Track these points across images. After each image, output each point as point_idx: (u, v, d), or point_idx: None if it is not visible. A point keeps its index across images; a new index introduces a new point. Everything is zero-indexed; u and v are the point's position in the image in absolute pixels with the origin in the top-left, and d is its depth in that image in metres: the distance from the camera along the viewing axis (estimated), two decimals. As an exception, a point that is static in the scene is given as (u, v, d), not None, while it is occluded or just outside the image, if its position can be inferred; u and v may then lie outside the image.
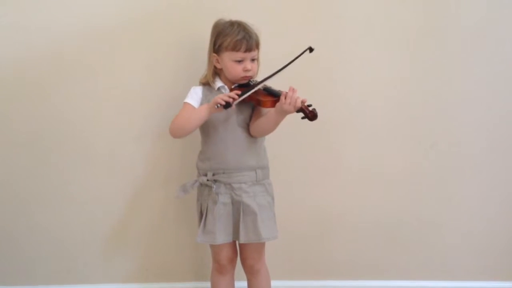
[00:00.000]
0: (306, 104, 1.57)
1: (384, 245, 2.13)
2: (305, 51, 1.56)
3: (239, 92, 1.60)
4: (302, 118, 1.58)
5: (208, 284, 1.87)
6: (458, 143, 2.07)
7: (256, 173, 1.71)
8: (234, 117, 1.69)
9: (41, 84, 1.99)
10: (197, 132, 1.79)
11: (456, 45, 2.01)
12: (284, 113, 1.59)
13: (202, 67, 1.78)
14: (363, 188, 2.09)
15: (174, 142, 2.01)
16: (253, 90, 1.61)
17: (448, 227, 2.12)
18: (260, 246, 1.76)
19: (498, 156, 2.08)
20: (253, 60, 1.68)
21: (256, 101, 1.64)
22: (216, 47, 1.68)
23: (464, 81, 2.04)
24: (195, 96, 1.73)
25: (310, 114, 1.56)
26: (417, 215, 2.11)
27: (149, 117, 2.01)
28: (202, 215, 1.73)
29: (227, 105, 1.57)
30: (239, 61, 1.65)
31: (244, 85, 1.65)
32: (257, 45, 1.68)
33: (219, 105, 1.58)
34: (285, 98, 1.56)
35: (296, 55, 1.57)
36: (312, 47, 1.56)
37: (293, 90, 1.56)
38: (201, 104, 1.71)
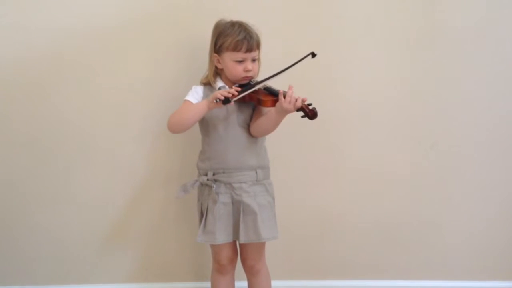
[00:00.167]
0: (306, 103, 1.57)
1: (384, 245, 2.13)
2: (307, 55, 1.57)
3: (239, 89, 1.60)
4: (302, 117, 1.58)
5: (208, 284, 1.87)
6: (458, 143, 2.07)
7: (256, 173, 1.71)
8: (235, 117, 1.69)
9: (41, 84, 1.99)
10: (198, 132, 1.79)
11: (456, 45, 2.01)
12: (284, 112, 1.59)
13: (202, 67, 1.78)
14: (363, 188, 2.09)
15: (174, 142, 2.02)
16: (253, 89, 1.61)
17: (448, 227, 2.12)
18: (261, 246, 1.76)
19: (498, 156, 2.08)
20: (254, 60, 1.69)
21: (256, 100, 1.64)
22: (217, 47, 1.68)
23: (464, 81, 2.04)
24: (195, 94, 1.73)
25: (310, 113, 1.56)
26: (417, 215, 2.11)
27: (149, 117, 2.01)
28: (202, 215, 1.73)
29: (226, 100, 1.57)
30: (240, 62, 1.66)
31: (245, 85, 1.65)
32: (258, 46, 1.68)
33: (217, 100, 1.58)
34: (285, 97, 1.56)
35: (299, 59, 1.57)
36: (315, 52, 1.57)
37: (292, 89, 1.57)
38: (201, 103, 1.71)
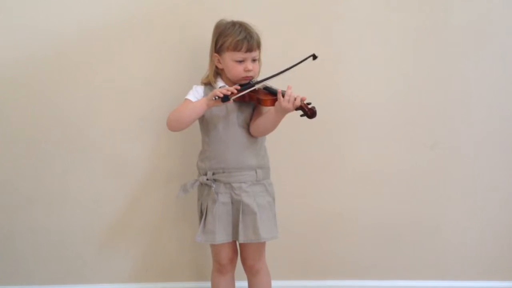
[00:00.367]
0: (305, 102, 1.57)
1: (384, 245, 2.13)
2: (308, 57, 1.58)
3: (239, 88, 1.60)
4: (301, 116, 1.58)
5: (209, 284, 1.87)
6: (459, 144, 2.07)
7: (256, 172, 1.71)
8: (235, 117, 1.69)
9: (41, 84, 1.99)
10: (198, 132, 1.79)
11: (457, 45, 2.01)
12: (283, 111, 1.59)
13: (203, 67, 1.78)
14: (363, 188, 2.09)
15: (174, 142, 2.02)
16: (253, 88, 1.62)
17: (448, 227, 2.12)
18: (261, 246, 1.76)
19: (498, 156, 2.08)
20: (254, 60, 1.69)
21: (256, 100, 1.64)
22: (218, 47, 1.68)
23: (464, 81, 2.04)
24: (196, 94, 1.73)
25: (309, 112, 1.56)
26: (417, 215, 2.12)
27: (149, 117, 2.01)
28: (202, 214, 1.73)
29: (225, 98, 1.57)
30: (240, 61, 1.66)
31: (245, 85, 1.66)
32: (258, 46, 1.69)
33: (216, 98, 1.58)
34: (284, 96, 1.56)
35: (300, 60, 1.58)
36: (316, 54, 1.58)
37: (291, 88, 1.57)
38: (202, 103, 1.71)
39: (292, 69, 1.59)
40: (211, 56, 1.72)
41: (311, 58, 1.59)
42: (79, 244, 2.10)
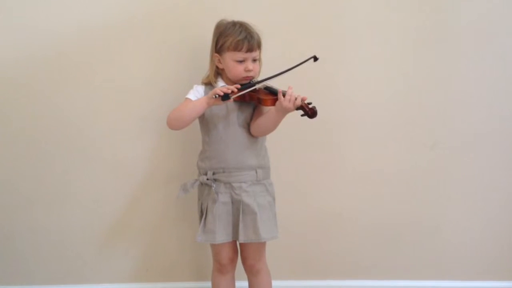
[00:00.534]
0: (305, 102, 1.57)
1: (384, 245, 2.13)
2: (309, 59, 1.59)
3: (239, 86, 1.60)
4: (302, 115, 1.58)
5: (209, 284, 1.87)
6: (459, 144, 2.07)
7: (256, 172, 1.71)
8: (235, 116, 1.69)
9: (41, 84, 1.99)
10: (198, 132, 1.79)
11: (457, 45, 2.01)
12: (284, 111, 1.59)
13: (203, 68, 1.78)
14: (363, 188, 2.10)
15: (174, 142, 2.02)
16: (253, 87, 1.62)
17: (448, 227, 2.13)
18: (261, 246, 1.76)
19: (498, 156, 2.09)
20: (254, 60, 1.69)
21: (256, 99, 1.64)
22: (218, 47, 1.68)
23: (464, 81, 2.04)
24: (196, 93, 1.73)
25: (310, 112, 1.56)
26: (417, 215, 2.12)
27: (149, 117, 2.01)
28: (202, 214, 1.73)
29: (225, 96, 1.57)
30: (241, 61, 1.66)
31: (246, 85, 1.66)
32: (258, 46, 1.69)
33: (217, 96, 1.58)
34: (284, 96, 1.56)
35: (301, 61, 1.58)
36: (317, 56, 1.58)
37: (291, 88, 1.57)
38: (202, 103, 1.71)
39: (292, 70, 1.59)
40: (212, 56, 1.72)
41: (312, 59, 1.59)
42: (79, 244, 2.10)
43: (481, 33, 2.00)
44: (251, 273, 1.80)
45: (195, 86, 1.76)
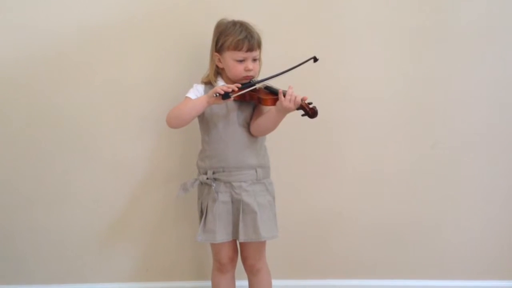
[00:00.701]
0: (306, 101, 1.57)
1: (384, 245, 2.13)
2: (309, 59, 1.59)
3: (240, 85, 1.61)
4: (303, 115, 1.59)
5: (209, 283, 1.87)
6: (459, 143, 2.07)
7: (256, 172, 1.71)
8: (235, 116, 1.69)
9: (41, 84, 1.99)
10: (198, 131, 1.79)
11: (457, 45, 2.01)
12: (284, 110, 1.59)
13: (203, 67, 1.78)
14: (363, 187, 2.10)
15: (174, 142, 2.02)
16: (253, 87, 1.62)
17: (448, 226, 2.13)
18: (261, 245, 1.76)
19: (498, 156, 2.09)
20: (254, 60, 1.69)
21: (257, 99, 1.64)
22: (218, 47, 1.68)
23: (465, 81, 2.04)
24: (196, 92, 1.73)
25: (310, 111, 1.57)
26: (417, 215, 2.12)
27: (150, 117, 2.01)
28: (202, 214, 1.73)
29: (226, 95, 1.57)
30: (241, 61, 1.66)
31: (246, 84, 1.66)
32: (258, 45, 1.69)
33: (217, 94, 1.58)
34: (285, 96, 1.57)
35: (300, 62, 1.59)
36: (317, 57, 1.59)
37: (292, 88, 1.57)
38: (201, 102, 1.71)
39: (292, 70, 1.60)
40: (212, 56, 1.72)
41: (312, 60, 1.60)
42: (80, 244, 2.10)
43: (481, 33, 2.01)
44: (251, 272, 1.80)
45: (195, 85, 1.76)
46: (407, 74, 2.03)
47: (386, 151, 2.08)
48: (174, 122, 1.69)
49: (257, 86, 1.64)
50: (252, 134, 1.71)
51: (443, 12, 2.00)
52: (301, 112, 1.58)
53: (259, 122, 1.68)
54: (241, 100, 1.66)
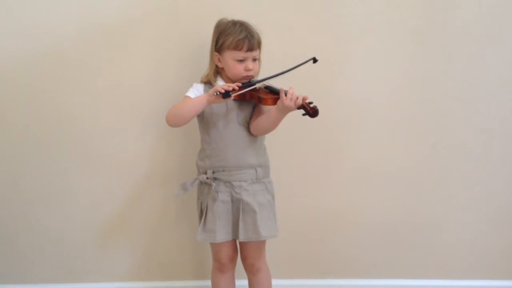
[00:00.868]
0: (307, 101, 1.57)
1: (384, 244, 2.13)
2: (309, 60, 1.60)
3: (240, 85, 1.61)
4: (303, 115, 1.59)
5: (209, 282, 1.87)
6: (460, 143, 2.07)
7: (256, 171, 1.71)
8: (235, 115, 1.69)
9: (41, 84, 1.99)
10: (197, 131, 1.79)
11: (457, 45, 2.01)
12: (285, 110, 1.60)
13: (203, 66, 1.78)
14: (364, 187, 2.10)
15: (174, 141, 2.02)
16: (254, 86, 1.63)
17: (449, 226, 2.13)
18: (261, 244, 1.76)
19: (498, 156, 2.09)
20: (254, 59, 1.69)
21: (257, 98, 1.64)
22: (218, 46, 1.68)
23: (465, 80, 2.04)
24: (196, 91, 1.73)
25: (311, 111, 1.57)
26: (418, 215, 2.12)
27: (149, 116, 2.01)
28: (202, 213, 1.73)
29: (226, 94, 1.57)
30: (241, 61, 1.66)
31: (246, 84, 1.66)
32: (258, 45, 1.69)
33: (217, 93, 1.58)
34: (286, 95, 1.57)
35: (300, 62, 1.59)
36: (317, 58, 1.59)
37: (293, 88, 1.57)
38: (201, 101, 1.71)
39: (292, 71, 1.60)
40: (212, 55, 1.72)
41: (312, 61, 1.60)
42: (80, 243, 2.10)
43: (481, 32, 2.00)
44: (251, 271, 1.80)
45: (194, 84, 1.76)
46: (407, 74, 2.03)
47: (386, 150, 2.08)
48: (174, 121, 1.69)
49: (258, 85, 1.65)
50: (252, 133, 1.71)
51: (443, 12, 1.99)
52: (302, 111, 1.59)
53: (259, 122, 1.68)
54: (241, 99, 1.66)
